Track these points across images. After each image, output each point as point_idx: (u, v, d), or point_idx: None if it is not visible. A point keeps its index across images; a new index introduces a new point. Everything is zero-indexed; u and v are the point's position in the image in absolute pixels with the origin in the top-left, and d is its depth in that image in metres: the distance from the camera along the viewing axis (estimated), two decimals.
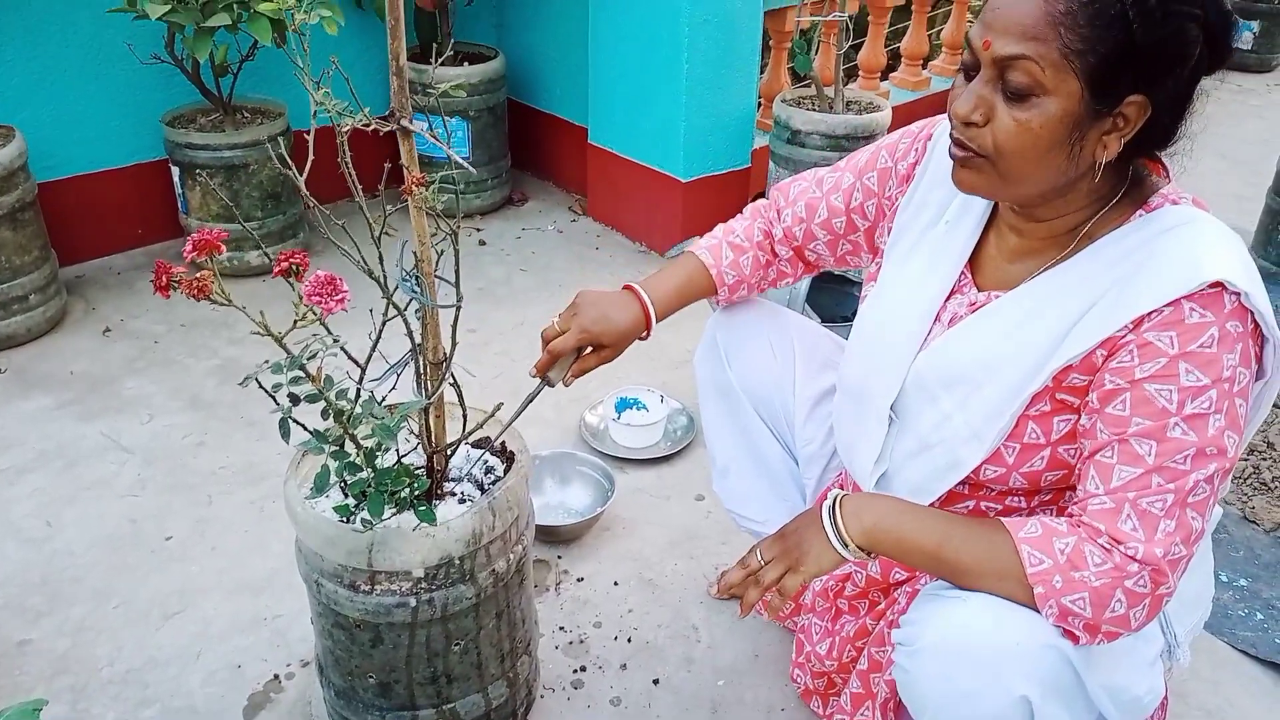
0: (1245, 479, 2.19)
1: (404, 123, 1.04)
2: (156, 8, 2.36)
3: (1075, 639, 1.05)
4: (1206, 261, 1.03)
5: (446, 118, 3.26)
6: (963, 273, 1.25)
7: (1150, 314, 1.03)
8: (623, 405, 2.29)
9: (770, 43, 3.58)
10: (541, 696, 1.65)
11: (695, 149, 3.01)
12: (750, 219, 1.52)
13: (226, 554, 1.95)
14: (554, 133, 3.59)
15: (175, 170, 2.89)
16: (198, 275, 0.96)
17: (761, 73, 3.60)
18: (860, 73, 3.99)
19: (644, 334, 1.44)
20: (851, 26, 2.92)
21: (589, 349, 1.40)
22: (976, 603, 1.06)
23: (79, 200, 2.95)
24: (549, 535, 1.97)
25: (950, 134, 1.09)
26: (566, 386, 1.42)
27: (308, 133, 1.11)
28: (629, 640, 1.77)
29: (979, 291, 1.23)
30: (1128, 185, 1.12)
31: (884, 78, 4.10)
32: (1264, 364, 1.07)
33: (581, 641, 1.77)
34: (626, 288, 1.44)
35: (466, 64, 3.30)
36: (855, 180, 1.40)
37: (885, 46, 3.91)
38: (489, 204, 3.46)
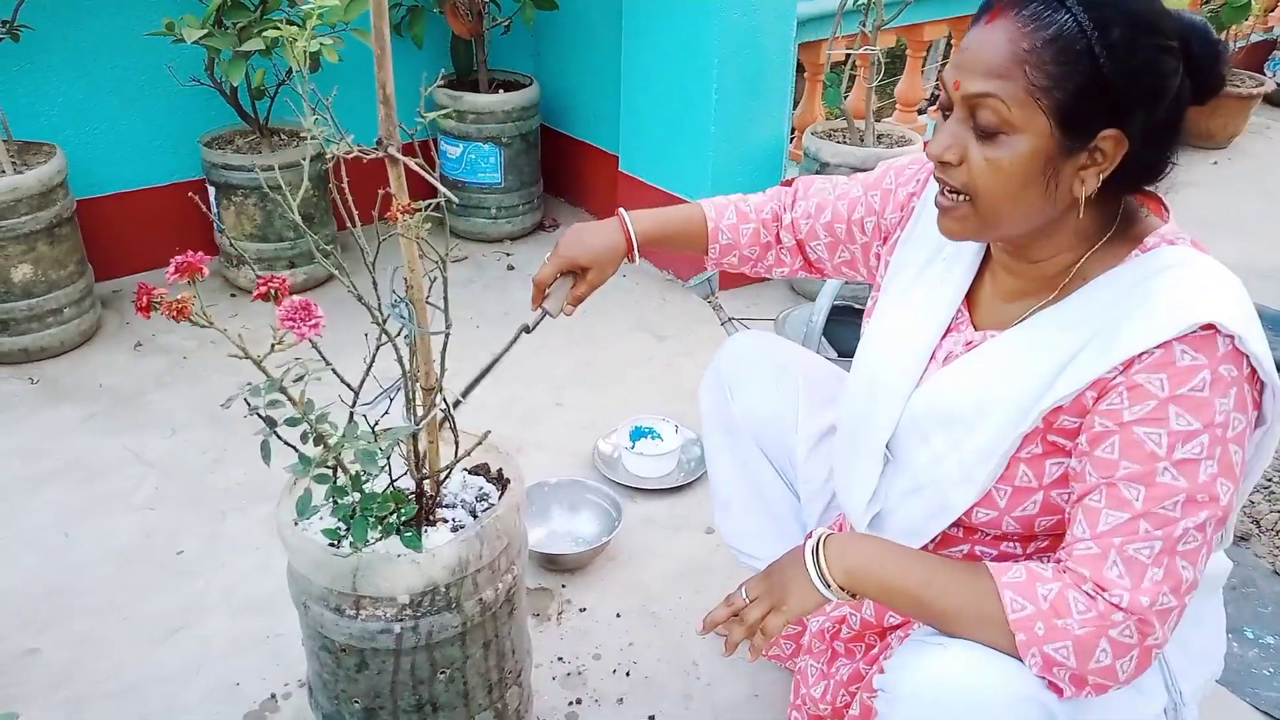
0: (1277, 531, 2.11)
1: (391, 150, 1.05)
2: (193, 32, 2.42)
3: (1060, 692, 1.01)
4: (1199, 303, 1.00)
5: (480, 144, 3.30)
6: (959, 310, 1.23)
7: (1141, 355, 1.01)
8: (637, 434, 2.28)
9: (805, 75, 3.58)
10: None
11: (723, 178, 3.00)
12: (766, 198, 1.52)
13: (235, 571, 1.97)
14: (586, 160, 3.61)
15: (212, 190, 2.95)
16: (178, 298, 0.97)
17: (796, 105, 3.59)
18: (897, 106, 3.97)
19: (628, 256, 1.45)
20: (882, 62, 2.90)
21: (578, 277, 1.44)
22: (956, 650, 1.03)
23: (118, 217, 3.02)
24: (553, 563, 1.96)
25: (935, 180, 1.10)
26: (568, 315, 1.46)
27: (346, 154, 1.10)
28: (627, 674, 1.75)
29: (975, 330, 1.21)
30: (1121, 224, 1.09)
31: (922, 112, 4.08)
32: (1264, 410, 1.03)
33: (579, 673, 1.75)
34: (615, 214, 1.47)
35: (501, 91, 3.33)
36: (862, 194, 1.41)
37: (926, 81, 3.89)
38: (520, 229, 3.48)
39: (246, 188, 2.88)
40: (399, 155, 1.04)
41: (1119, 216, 1.10)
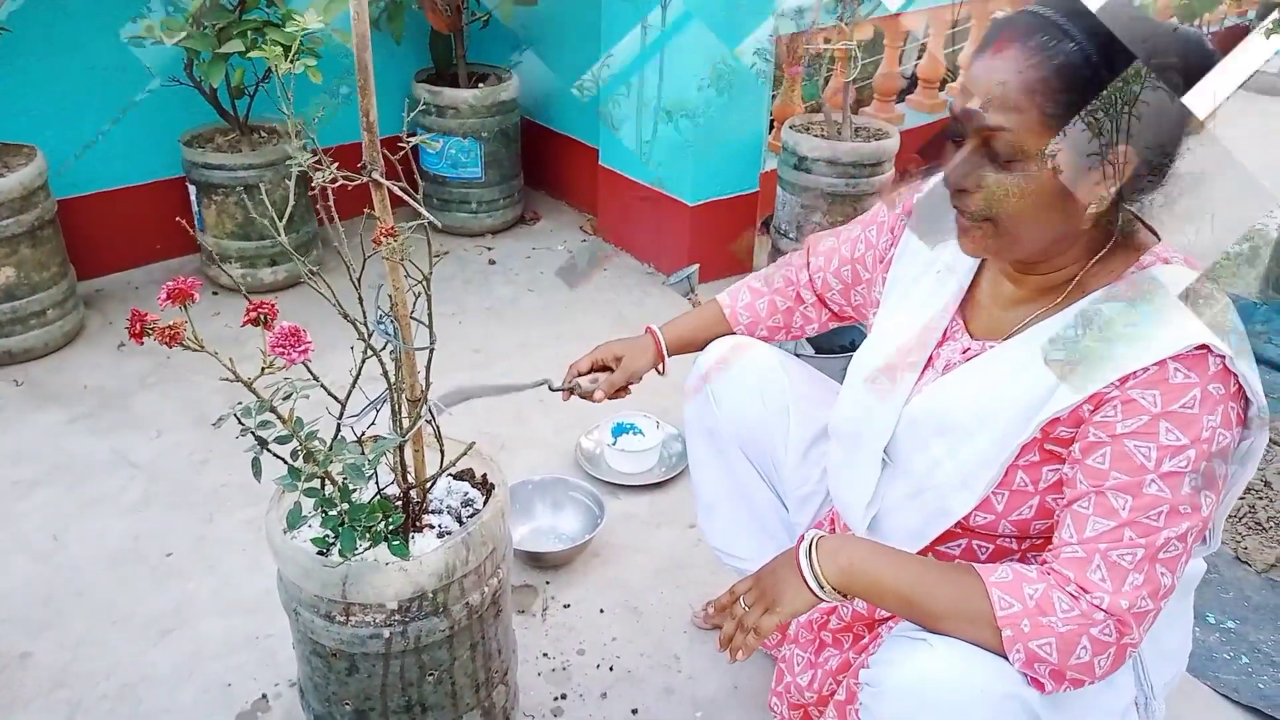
0: (1240, 518, 2.18)
1: (375, 175, 1.08)
2: (173, 34, 2.42)
3: (1041, 687, 1.06)
4: (1193, 324, 1.05)
5: (461, 138, 3.31)
6: (954, 319, 1.28)
7: (1136, 372, 1.06)
8: (619, 430, 2.32)
9: (784, 67, 3.60)
10: None
11: (703, 172, 3.04)
12: (776, 268, 1.62)
13: (223, 572, 2.00)
14: (567, 154, 3.63)
15: (192, 189, 2.96)
16: (171, 324, 1.00)
17: (776, 97, 3.62)
18: (875, 96, 4.00)
19: (659, 367, 1.65)
20: (859, 56, 2.92)
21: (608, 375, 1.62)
22: (942, 648, 1.08)
23: (99, 217, 3.02)
24: (537, 561, 2.00)
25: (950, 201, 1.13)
26: (596, 400, 1.62)
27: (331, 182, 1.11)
28: (611, 669, 1.80)
29: (973, 339, 1.26)
30: (1119, 239, 1.14)
31: (900, 100, 4.11)
32: (1249, 425, 1.08)
33: (564, 669, 1.80)
34: (647, 330, 1.65)
35: (481, 85, 3.35)
36: (861, 232, 1.47)
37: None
38: (500, 223, 3.50)
39: (227, 186, 2.89)
40: (383, 180, 1.07)
41: (1118, 230, 1.13)
